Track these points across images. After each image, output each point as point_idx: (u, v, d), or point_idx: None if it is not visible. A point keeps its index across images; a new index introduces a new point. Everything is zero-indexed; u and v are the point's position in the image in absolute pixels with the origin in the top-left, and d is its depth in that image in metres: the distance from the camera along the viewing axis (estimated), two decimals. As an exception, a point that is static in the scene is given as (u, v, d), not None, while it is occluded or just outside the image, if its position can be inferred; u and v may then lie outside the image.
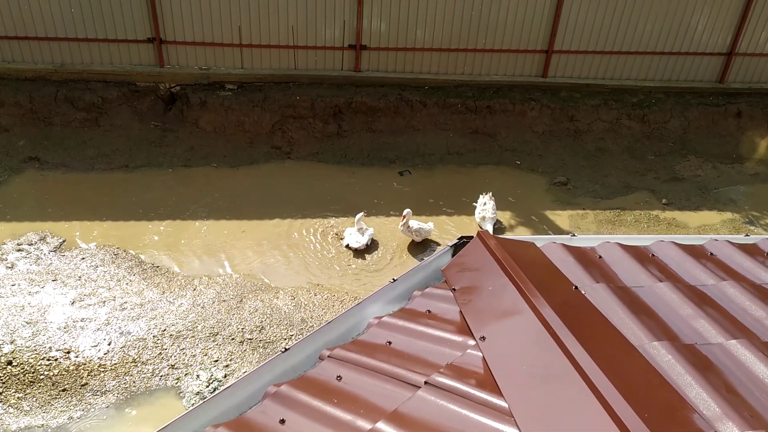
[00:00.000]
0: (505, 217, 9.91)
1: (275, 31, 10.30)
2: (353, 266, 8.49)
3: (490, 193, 9.56)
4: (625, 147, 11.87)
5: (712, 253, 3.27)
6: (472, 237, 3.33)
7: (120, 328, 7.03)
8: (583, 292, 2.77)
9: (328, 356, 2.65)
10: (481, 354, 2.42)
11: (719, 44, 11.77)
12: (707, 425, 1.94)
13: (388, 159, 10.74)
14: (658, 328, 2.49)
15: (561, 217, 10.43)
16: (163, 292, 7.59)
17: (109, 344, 6.82)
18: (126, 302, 7.38)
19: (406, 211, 8.59)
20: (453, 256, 3.38)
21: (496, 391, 2.20)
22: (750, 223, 10.48)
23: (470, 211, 9.76)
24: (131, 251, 8.25)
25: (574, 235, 3.47)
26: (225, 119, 10.41)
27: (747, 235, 3.53)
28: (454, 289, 2.93)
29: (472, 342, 2.53)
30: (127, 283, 7.66)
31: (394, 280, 3.15)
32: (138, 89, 10.48)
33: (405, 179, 10.46)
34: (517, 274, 2.77)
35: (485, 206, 9.26)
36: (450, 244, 3.40)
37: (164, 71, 10.30)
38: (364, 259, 8.67)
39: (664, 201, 10.95)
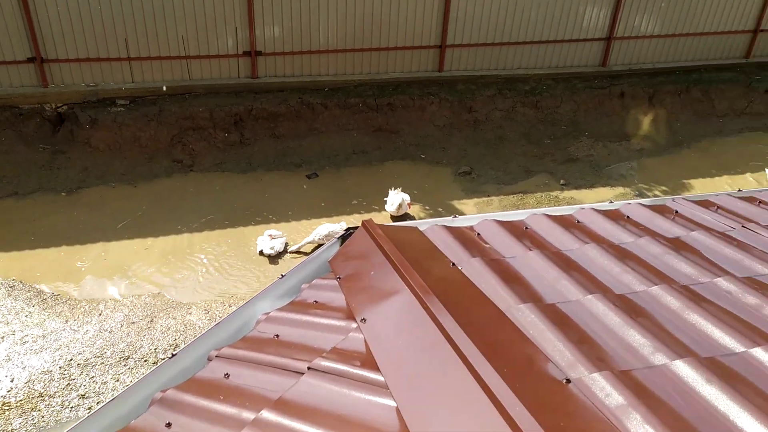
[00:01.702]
0: (415, 209, 10.13)
1: (165, 43, 10.10)
2: (268, 273, 8.46)
3: (400, 188, 9.76)
4: (523, 133, 12.36)
5: (579, 221, 3.51)
6: (357, 228, 3.44)
7: (22, 362, 6.73)
8: (460, 268, 2.92)
9: (216, 356, 2.68)
10: (362, 336, 2.52)
11: (599, 30, 12.46)
12: (560, 373, 2.11)
13: (294, 163, 10.74)
14: (525, 292, 2.67)
15: (468, 206, 10.76)
16: (67, 321, 7.31)
17: (11, 381, 6.52)
18: (27, 335, 7.06)
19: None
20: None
21: (375, 367, 2.30)
22: (639, 195, 11.15)
23: (381, 207, 9.91)
24: (28, 282, 7.89)
25: (455, 217, 3.63)
26: (119, 136, 10.12)
27: (611, 201, 3.81)
28: (339, 278, 3.02)
29: (354, 325, 2.63)
30: (26, 316, 7.34)
31: (283, 276, 3.21)
32: (22, 112, 10.02)
33: (313, 182, 10.49)
34: (397, 257, 2.89)
35: (396, 201, 9.44)
36: (337, 235, 3.48)
37: (48, 91, 9.89)
38: (278, 264, 8.65)
39: (562, 182, 11.48)
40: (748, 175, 11.70)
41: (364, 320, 2.60)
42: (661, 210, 3.62)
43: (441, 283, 2.70)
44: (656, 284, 2.68)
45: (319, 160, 10.91)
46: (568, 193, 11.28)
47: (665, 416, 1.87)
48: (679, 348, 2.24)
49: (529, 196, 11.16)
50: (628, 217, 3.56)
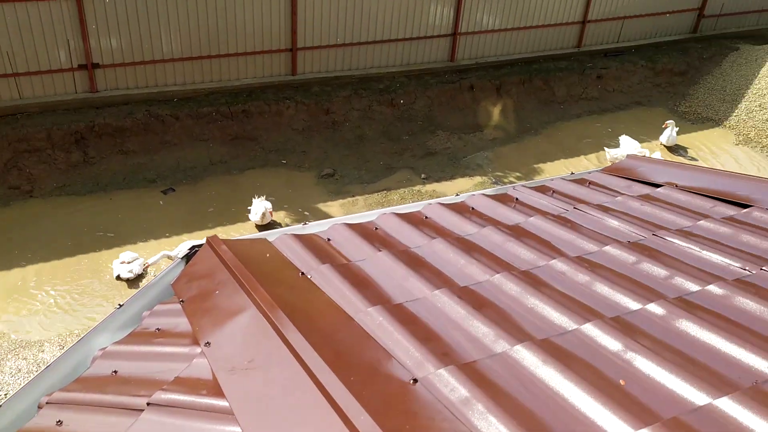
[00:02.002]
0: (280, 216, 9.96)
1: (-13, 60, 9.21)
2: (127, 298, 7.96)
3: (263, 196, 9.55)
4: (381, 131, 12.53)
5: (426, 217, 3.57)
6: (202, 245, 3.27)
7: None
8: (309, 277, 2.86)
9: (47, 402, 2.44)
10: (206, 360, 2.39)
11: (445, 27, 12.90)
12: (407, 373, 2.10)
13: (147, 179, 10.19)
14: (374, 294, 2.66)
15: (333, 208, 10.74)
16: None
17: None
18: None
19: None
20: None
21: (220, 393, 2.19)
22: (496, 182, 11.68)
23: (245, 217, 9.66)
24: None
25: (306, 224, 3.57)
26: (-58, 166, 9.11)
27: (457, 195, 3.91)
28: (182, 301, 2.85)
29: (198, 350, 2.49)
30: None
31: (121, 306, 2.99)
32: None
33: (171, 198, 10.01)
34: (242, 273, 2.77)
35: (259, 210, 9.23)
36: (181, 255, 3.30)
37: None
38: (138, 288, 8.16)
39: (423, 176, 11.77)
40: (592, 155, 12.61)
41: (208, 344, 2.47)
42: (503, 199, 3.76)
43: (288, 295, 2.62)
44: (498, 272, 2.76)
45: (175, 174, 10.43)
46: (430, 187, 11.58)
47: (506, 404, 1.91)
48: (518, 333, 2.32)
49: (393, 192, 11.34)
50: (473, 208, 3.67)
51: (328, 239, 3.34)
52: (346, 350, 2.24)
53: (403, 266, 2.88)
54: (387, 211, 3.65)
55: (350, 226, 3.42)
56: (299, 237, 3.31)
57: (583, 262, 2.83)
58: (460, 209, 3.64)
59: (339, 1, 11.54)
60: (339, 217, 3.64)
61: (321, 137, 11.87)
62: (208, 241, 3.20)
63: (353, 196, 11.14)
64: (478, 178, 11.78)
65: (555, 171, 12.14)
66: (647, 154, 11.60)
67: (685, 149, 12.78)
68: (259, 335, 2.36)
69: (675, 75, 14.76)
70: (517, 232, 3.21)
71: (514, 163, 12.27)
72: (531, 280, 2.69)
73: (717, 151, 12.64)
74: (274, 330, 2.34)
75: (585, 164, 12.37)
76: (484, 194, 3.81)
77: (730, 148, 12.93)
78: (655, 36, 15.18)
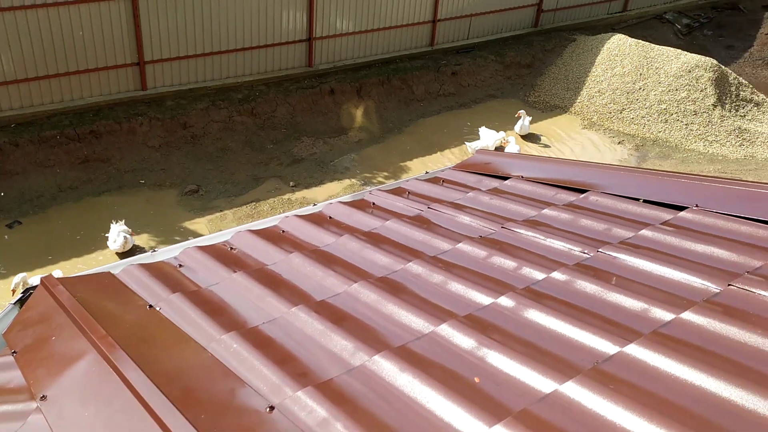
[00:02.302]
0: (143, 239, 9.44)
1: None
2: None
3: (122, 221, 9.02)
4: (245, 141, 12.24)
5: (284, 231, 3.48)
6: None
7: None
8: (158, 309, 2.68)
9: None
10: (42, 416, 2.16)
11: (299, 32, 12.81)
12: (263, 401, 2.02)
13: (-13, 214, 9.30)
14: (228, 320, 2.54)
15: (200, 225, 10.35)
16: None
17: None
18: None
19: None
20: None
21: (59, 452, 1.98)
22: (365, 183, 11.77)
23: (103, 246, 9.06)
24: None
25: (155, 250, 3.36)
26: None
27: (314, 204, 3.86)
28: (15, 353, 2.58)
29: (34, 405, 2.25)
30: None
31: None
32: None
33: (16, 231, 9.19)
34: (81, 314, 2.55)
35: (118, 236, 8.70)
36: (13, 300, 2.99)
37: None
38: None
39: (291, 184, 11.63)
40: (455, 149, 13.03)
41: (44, 398, 2.24)
42: (360, 205, 3.75)
43: (133, 333, 2.44)
44: (356, 282, 2.73)
45: (20, 205, 9.59)
46: (299, 194, 11.47)
47: (364, 420, 1.88)
48: (376, 343, 2.30)
49: (262, 203, 11.12)
50: (330, 217, 3.63)
51: (179, 265, 3.16)
52: (197, 385, 2.11)
53: (259, 286, 2.78)
54: (242, 228, 3.52)
55: (202, 248, 3.27)
56: (147, 266, 3.11)
57: (438, 262, 2.87)
58: (318, 219, 3.58)
59: (185, 12, 11.12)
60: (191, 240, 3.46)
61: (180, 153, 11.39)
62: (42, 281, 2.93)
63: (221, 210, 10.80)
64: (347, 181, 11.81)
65: (420, 167, 12.43)
66: (512, 141, 12.19)
67: (538, 137, 13.54)
68: (100, 381, 2.17)
69: (522, 67, 15.61)
70: (374, 238, 3.21)
71: (380, 163, 12.43)
72: (388, 286, 2.69)
73: (566, 136, 13.49)
74: (116, 373, 2.17)
75: (449, 157, 12.78)
76: (341, 202, 3.78)
77: (578, 132, 13.86)
78: (502, 31, 15.98)
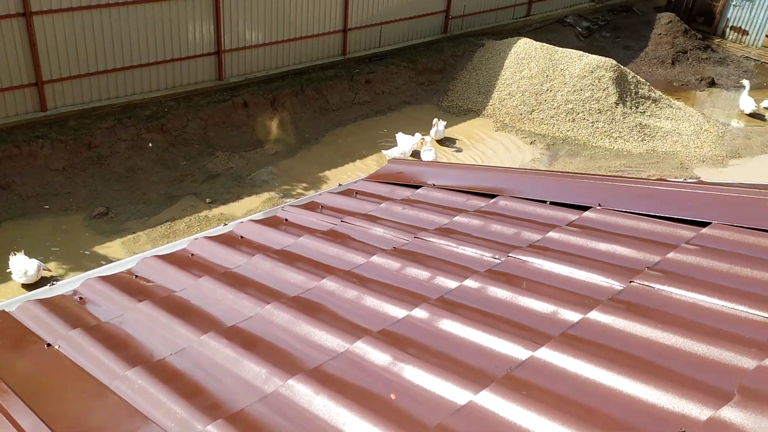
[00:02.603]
0: (52, 268, 8.95)
1: None
2: None
3: (22, 250, 8.53)
4: (156, 160, 11.84)
5: (193, 254, 3.36)
6: None
7: None
8: (57, 347, 2.52)
9: None
10: (-75, 479, 1.97)
11: (207, 45, 12.53)
12: (171, 441, 1.91)
13: None
14: (132, 355, 2.41)
15: (113, 249, 9.92)
16: None
17: None
18: None
19: None
20: None
21: None
22: (284, 196, 11.62)
23: (7, 279, 8.54)
24: None
25: (53, 283, 3.16)
26: None
27: (225, 224, 3.75)
28: None
29: None
30: None
31: None
32: None
33: None
34: (-31, 360, 2.35)
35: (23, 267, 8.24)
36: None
37: None
38: None
39: (208, 200, 11.33)
40: (374, 156, 13.06)
41: (-73, 458, 2.05)
42: (272, 222, 3.67)
43: (28, 376, 2.28)
44: (268, 303, 2.66)
45: None
46: (217, 210, 11.19)
47: (277, 450, 1.81)
48: (290, 366, 2.23)
49: (178, 222, 10.78)
50: (242, 237, 3.53)
51: (80, 298, 2.98)
52: (99, 427, 1.98)
53: (167, 315, 2.66)
54: (148, 254, 3.37)
55: (104, 278, 3.10)
56: (44, 301, 2.92)
57: (352, 276, 2.83)
58: (229, 240, 3.48)
59: (84, 28, 10.66)
60: (92, 270, 3.28)
61: (86, 175, 10.89)
62: (-75, 327, 2.69)
63: (134, 232, 10.40)
64: (265, 195, 11.63)
65: (339, 177, 12.39)
66: (428, 141, 12.34)
67: (453, 140, 13.78)
68: (-9, 435, 2.01)
69: (434, 73, 15.87)
70: (287, 256, 3.14)
71: (299, 174, 12.31)
72: (302, 305, 2.63)
73: (480, 139, 13.79)
74: (9, 422, 2.01)
75: (368, 164, 12.80)
76: (252, 220, 3.69)
77: (492, 135, 14.21)
78: (412, 38, 16.19)
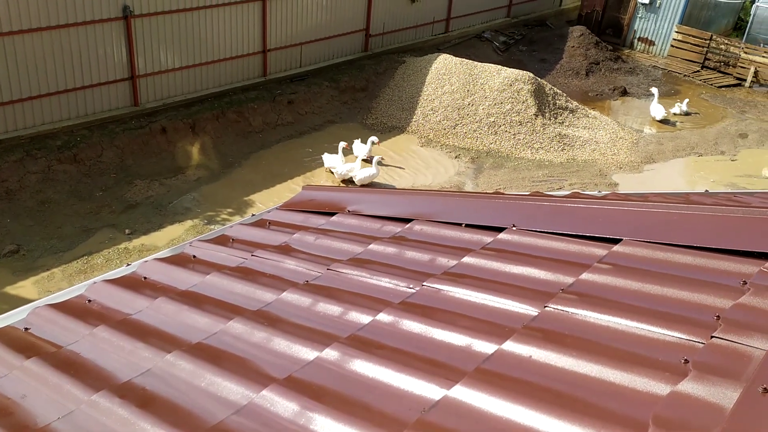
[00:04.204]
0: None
1: None
2: None
3: None
4: (70, 192, 11.29)
5: (90, 300, 3.11)
6: None
7: None
8: None
9: None
10: None
11: (120, 70, 12.09)
12: None
13: None
14: (13, 423, 2.16)
15: (26, 288, 9.37)
16: None
17: None
18: None
19: None
20: None
21: None
22: (208, 222, 11.27)
23: None
24: None
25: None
26: None
27: (128, 265, 3.51)
28: None
29: None
30: None
31: None
32: None
33: None
34: None
35: None
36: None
37: None
38: None
39: (127, 231, 10.88)
40: (299, 178, 12.86)
41: None
42: (179, 260, 3.46)
43: None
44: (169, 352, 2.46)
45: None
46: (137, 241, 10.75)
47: None
48: (187, 426, 2.05)
49: (96, 256, 10.29)
50: (145, 278, 3.30)
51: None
52: None
53: (56, 373, 2.42)
54: (40, 303, 3.10)
55: (-11, 334, 2.82)
56: None
57: (260, 317, 2.67)
58: (131, 283, 3.24)
59: (-17, 55, 10.08)
60: (-23, 327, 2.98)
61: (-7, 211, 10.26)
62: None
63: (48, 269, 9.87)
64: (189, 222, 11.26)
65: (265, 199, 12.14)
66: (358, 147, 12.28)
67: (380, 157, 13.75)
68: None
69: (357, 91, 15.86)
70: (193, 297, 2.94)
71: (223, 199, 11.99)
72: (205, 353, 2.44)
73: (405, 154, 13.83)
74: None
75: (294, 187, 12.59)
76: (158, 259, 3.46)
77: (417, 150, 14.28)
78: (333, 57, 16.15)
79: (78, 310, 3.02)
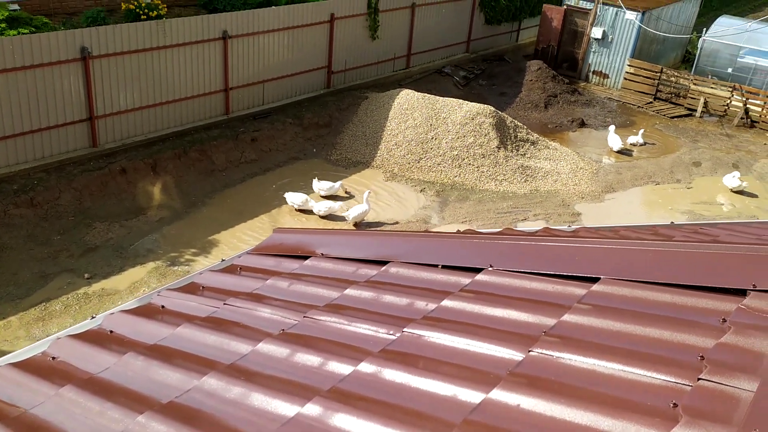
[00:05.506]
0: None
1: None
2: None
3: None
4: (26, 236, 10.94)
5: (54, 357, 2.96)
6: None
7: None
8: None
9: None
10: None
11: (78, 111, 11.88)
12: None
13: None
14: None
15: (-22, 339, 8.98)
16: None
17: None
18: None
19: None
20: None
21: None
22: (172, 264, 11.02)
23: None
24: None
25: None
26: None
27: (93, 317, 3.36)
28: None
29: None
30: None
31: None
32: None
33: None
34: None
35: None
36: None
37: None
38: None
39: (87, 276, 10.57)
40: (265, 216, 12.71)
41: None
42: (147, 311, 3.33)
43: None
44: (139, 413, 2.34)
45: None
46: (97, 286, 10.45)
47: None
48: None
49: (54, 302, 9.97)
50: (111, 331, 3.17)
51: None
52: None
53: (16, 441, 2.27)
54: (3, 359, 2.94)
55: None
56: None
57: (235, 371, 2.56)
58: (96, 338, 3.10)
59: (-65, 99, 9.79)
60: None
61: (-56, 259, 9.87)
62: None
63: (4, 318, 9.52)
64: (151, 264, 11.00)
65: (231, 238, 11.96)
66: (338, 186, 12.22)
67: (346, 193, 13.73)
68: None
69: (321, 127, 15.89)
70: (163, 352, 2.82)
71: (187, 239, 11.77)
72: (177, 413, 2.33)
73: (372, 190, 13.82)
74: None
75: (259, 225, 12.44)
76: (124, 311, 3.33)
77: (383, 185, 14.30)
78: (296, 94, 16.18)
79: (42, 369, 2.86)
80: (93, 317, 3.37)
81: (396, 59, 18.60)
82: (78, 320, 9.59)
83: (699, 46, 21.53)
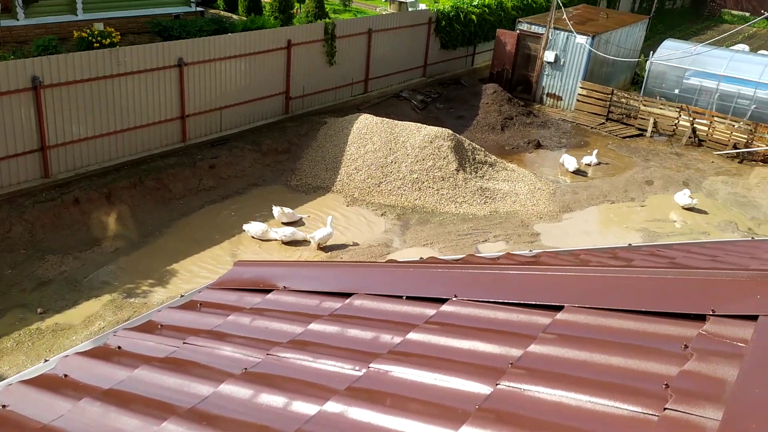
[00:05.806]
0: None
1: None
2: None
3: None
4: (-27, 272, 10.53)
5: (4, 406, 2.82)
6: None
7: None
8: None
9: None
10: None
11: (29, 142, 11.58)
12: None
13: None
14: None
15: None
16: None
17: None
18: None
19: None
20: None
21: None
22: (128, 296, 10.75)
23: None
24: None
25: None
26: None
27: (46, 360, 3.23)
28: None
29: None
30: None
31: None
32: None
33: None
34: None
35: None
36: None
37: None
38: None
39: (39, 310, 10.23)
40: (225, 243, 12.52)
41: None
42: (103, 353, 3.21)
43: None
44: (96, 465, 2.23)
45: None
46: (51, 321, 10.11)
47: None
48: None
49: (5, 339, 9.60)
50: (65, 375, 3.04)
51: None
52: None
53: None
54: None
55: None
56: None
57: (195, 415, 2.48)
58: (51, 382, 2.97)
59: None
60: None
61: None
62: None
63: (-50, 358, 9.08)
64: (106, 297, 10.70)
65: (190, 267, 11.74)
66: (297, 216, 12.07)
67: (306, 218, 13.65)
68: None
69: (280, 153, 15.81)
70: (119, 397, 2.71)
71: (144, 270, 11.50)
72: (137, 463, 2.23)
73: (332, 215, 13.77)
74: None
75: (219, 253, 12.25)
76: (79, 353, 3.21)
77: (343, 210, 14.26)
78: (254, 121, 16.10)
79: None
80: (46, 360, 3.24)
81: (354, 84, 18.70)
82: (30, 357, 9.24)
83: (647, 68, 22.25)
